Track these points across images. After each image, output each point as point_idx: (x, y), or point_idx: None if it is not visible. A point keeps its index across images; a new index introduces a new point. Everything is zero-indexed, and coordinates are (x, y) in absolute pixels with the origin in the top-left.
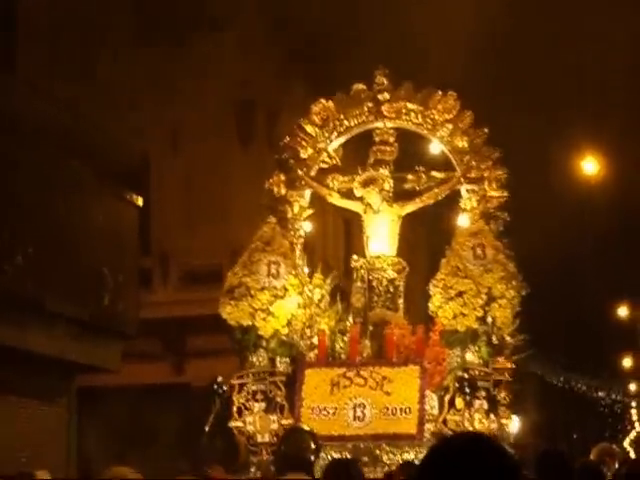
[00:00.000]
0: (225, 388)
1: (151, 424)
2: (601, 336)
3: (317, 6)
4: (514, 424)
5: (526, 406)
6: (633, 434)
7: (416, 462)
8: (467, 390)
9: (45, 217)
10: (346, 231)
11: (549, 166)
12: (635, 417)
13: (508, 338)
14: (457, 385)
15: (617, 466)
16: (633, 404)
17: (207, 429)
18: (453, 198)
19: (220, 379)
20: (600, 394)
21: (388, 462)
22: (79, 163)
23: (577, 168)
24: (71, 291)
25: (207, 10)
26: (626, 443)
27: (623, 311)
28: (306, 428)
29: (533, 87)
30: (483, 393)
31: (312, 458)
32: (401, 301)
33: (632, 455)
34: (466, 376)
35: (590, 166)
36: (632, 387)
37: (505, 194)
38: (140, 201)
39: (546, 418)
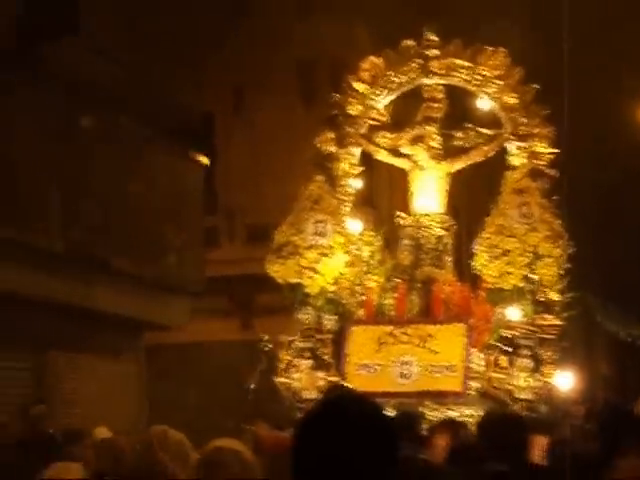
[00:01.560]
0: (271, 345)
1: (215, 381)
2: None
3: None
4: (565, 381)
5: (594, 360)
6: None
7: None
8: (510, 348)
9: (111, 178)
10: (391, 188)
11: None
12: None
13: (556, 295)
14: (501, 343)
15: None
16: None
17: (252, 386)
18: (502, 155)
19: (266, 337)
20: None
21: (433, 419)
22: (144, 124)
23: (629, 118)
24: (138, 250)
25: None
26: None
27: None
28: (349, 386)
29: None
30: (527, 351)
31: None
32: (449, 259)
33: None
34: (510, 334)
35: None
36: None
37: (554, 151)
38: (205, 160)
39: (615, 371)
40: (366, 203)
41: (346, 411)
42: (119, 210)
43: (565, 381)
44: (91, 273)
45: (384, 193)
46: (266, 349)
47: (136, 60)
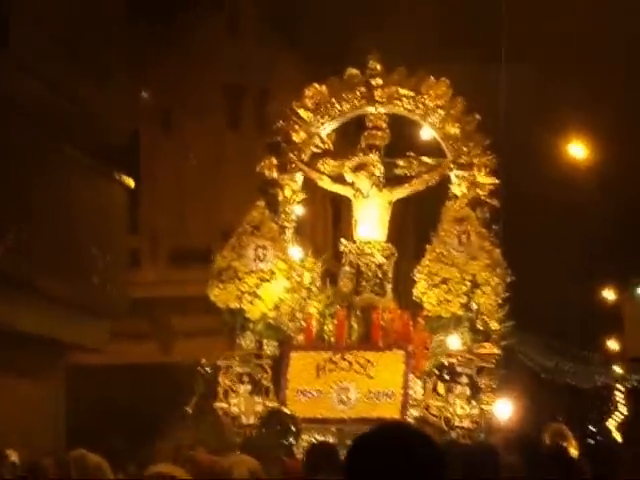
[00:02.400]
0: (209, 370)
1: (137, 403)
2: (587, 319)
3: None
4: (503, 409)
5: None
6: (618, 417)
7: None
8: (448, 376)
9: (36, 197)
10: (335, 215)
11: (540, 151)
12: (620, 400)
13: (494, 324)
14: (439, 371)
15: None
16: (618, 387)
17: (190, 410)
18: (443, 184)
19: (204, 360)
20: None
21: None
22: (69, 143)
23: (567, 153)
24: (61, 271)
25: None
26: (611, 426)
27: (609, 294)
28: (287, 411)
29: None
30: (465, 379)
31: (293, 441)
32: (389, 286)
33: (619, 439)
34: (448, 362)
35: (579, 150)
36: (617, 370)
37: (495, 181)
38: (130, 182)
39: (531, 402)
40: (307, 229)
41: (405, 439)
42: (42, 229)
43: (504, 409)
44: (13, 292)
45: (324, 220)
46: (203, 372)
47: (62, 77)
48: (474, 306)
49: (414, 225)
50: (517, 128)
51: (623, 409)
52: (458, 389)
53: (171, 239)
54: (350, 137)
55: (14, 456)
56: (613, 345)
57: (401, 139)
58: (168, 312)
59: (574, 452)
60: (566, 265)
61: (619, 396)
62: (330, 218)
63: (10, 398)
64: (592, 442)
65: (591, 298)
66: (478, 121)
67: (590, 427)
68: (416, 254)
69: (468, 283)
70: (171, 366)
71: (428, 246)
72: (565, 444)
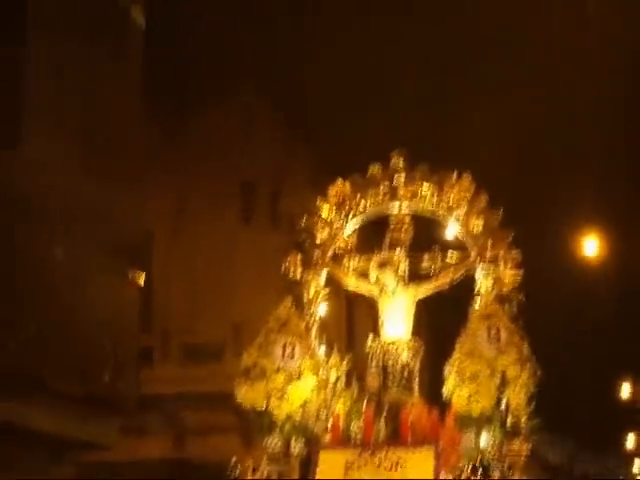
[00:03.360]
0: (238, 471)
1: None
2: (603, 416)
3: (318, 86)
4: None
5: None
6: None
7: None
8: (482, 475)
9: (47, 294)
10: (349, 313)
11: (553, 246)
12: None
13: (524, 420)
14: (471, 468)
15: None
16: None
17: None
18: (466, 282)
19: (233, 461)
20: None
21: None
22: (82, 240)
23: (580, 248)
24: (72, 368)
25: (210, 88)
26: None
27: (626, 390)
28: None
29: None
30: (498, 474)
31: None
32: (416, 382)
33: None
34: (480, 460)
35: (593, 246)
36: (636, 466)
37: (520, 274)
38: (142, 280)
39: None
40: (327, 327)
41: None
42: (55, 326)
43: None
44: (23, 389)
45: (338, 318)
46: (233, 475)
47: (75, 173)
48: (503, 402)
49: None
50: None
51: None
52: None
53: (183, 336)
54: (375, 233)
55: None
56: (631, 442)
57: (425, 234)
58: (180, 408)
59: None
60: (583, 359)
61: None
62: (344, 315)
63: None
64: None
65: (610, 395)
66: (501, 216)
67: None
68: (431, 349)
69: (497, 380)
70: (182, 463)
71: (457, 342)
72: None
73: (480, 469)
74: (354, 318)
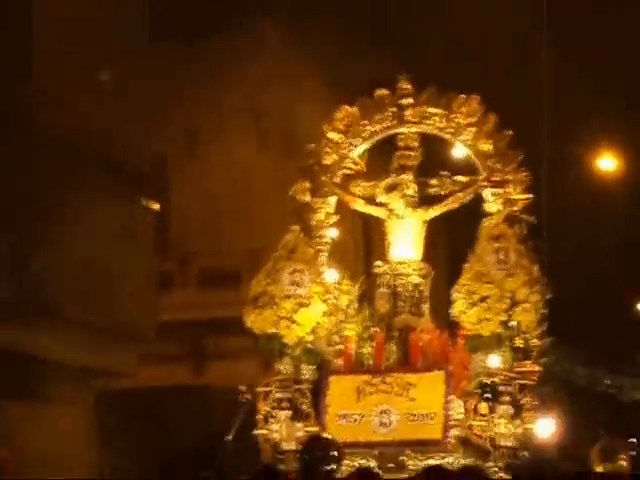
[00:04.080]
0: (248, 396)
1: (170, 427)
2: (625, 334)
3: (333, 6)
4: (546, 427)
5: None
6: None
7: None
8: (491, 395)
9: (62, 225)
10: (365, 236)
11: (574, 164)
12: None
13: (535, 341)
14: (480, 390)
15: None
16: None
17: (230, 438)
18: (475, 202)
19: (243, 387)
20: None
21: (414, 468)
22: (95, 168)
23: (607, 165)
24: (89, 298)
25: (220, 15)
26: None
27: None
28: (328, 436)
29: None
30: (507, 398)
31: (334, 466)
32: (426, 306)
33: None
34: (489, 381)
35: (621, 163)
36: None
37: (529, 196)
38: (156, 206)
39: (572, 417)
40: (339, 252)
41: None
42: (69, 256)
43: (547, 427)
44: (41, 320)
45: (354, 241)
46: (244, 400)
47: (84, 103)
48: (514, 324)
49: (445, 244)
50: (556, 138)
51: None
52: (501, 408)
53: (201, 261)
54: (383, 157)
55: None
56: None
57: (434, 158)
58: (199, 334)
59: (627, 467)
60: (606, 278)
61: None
62: (361, 239)
63: (40, 426)
64: None
65: (631, 312)
66: (511, 137)
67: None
68: (448, 273)
69: (507, 300)
70: (203, 389)
71: (465, 264)
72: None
73: (489, 391)
74: (372, 241)
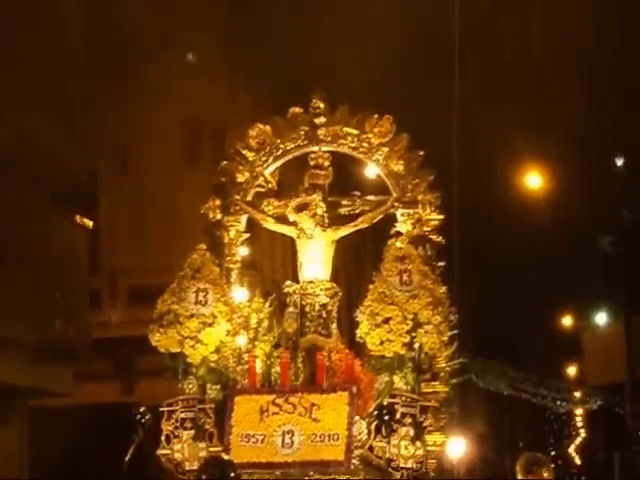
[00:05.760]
0: (147, 417)
1: (98, 445)
2: (546, 345)
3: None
4: (455, 447)
5: (471, 421)
6: (578, 440)
7: None
8: (390, 417)
9: None
10: (294, 252)
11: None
12: (580, 424)
13: (441, 363)
14: (381, 412)
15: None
16: (578, 411)
17: (127, 459)
18: (390, 222)
19: (142, 409)
20: (546, 402)
21: None
22: (27, 186)
23: (521, 181)
24: (22, 315)
25: (153, 29)
26: (571, 449)
27: (567, 321)
28: (225, 457)
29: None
30: (409, 419)
31: None
32: (334, 326)
33: (577, 461)
34: (389, 402)
35: (534, 179)
36: (577, 394)
37: (440, 217)
38: (90, 223)
39: (493, 429)
40: (252, 269)
41: None
42: (2, 275)
43: (456, 447)
44: None
45: (269, 260)
46: (143, 420)
47: (16, 121)
48: (416, 345)
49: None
50: (474, 159)
51: (582, 432)
52: (402, 430)
53: (131, 278)
54: (298, 176)
55: None
56: (572, 371)
57: (346, 178)
58: (130, 352)
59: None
60: (526, 294)
61: (578, 420)
62: (289, 256)
63: None
64: None
65: (551, 326)
66: (422, 158)
67: (551, 451)
68: (355, 294)
69: (410, 322)
70: (133, 406)
71: (370, 285)
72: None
73: (387, 413)
74: (282, 260)
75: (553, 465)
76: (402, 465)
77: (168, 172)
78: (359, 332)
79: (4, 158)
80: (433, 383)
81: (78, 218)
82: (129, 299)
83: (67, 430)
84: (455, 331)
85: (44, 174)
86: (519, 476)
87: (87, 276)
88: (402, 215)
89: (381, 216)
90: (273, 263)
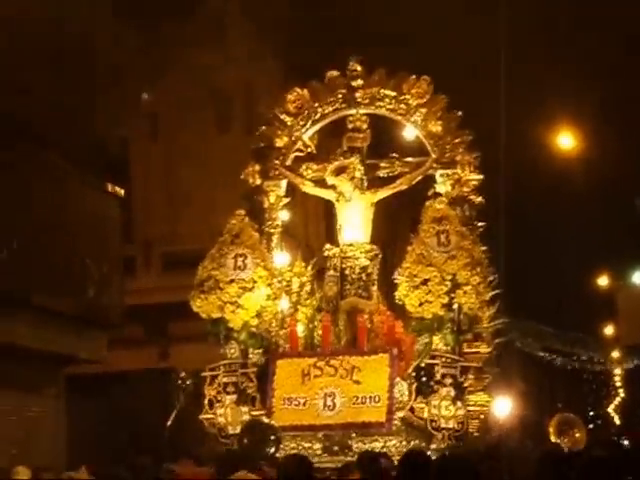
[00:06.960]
0: (188, 382)
1: (134, 411)
2: (582, 306)
3: None
4: (500, 405)
5: (511, 381)
6: (617, 400)
7: (378, 451)
8: (431, 377)
9: (28, 212)
10: (327, 216)
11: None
12: (618, 384)
13: (484, 323)
14: (421, 373)
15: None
16: (616, 371)
17: (170, 423)
18: (430, 183)
19: (183, 373)
20: (583, 362)
21: (358, 451)
22: (58, 156)
23: (556, 142)
24: (56, 284)
25: None
26: (610, 409)
27: (603, 281)
28: (267, 420)
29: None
30: (449, 380)
31: (273, 449)
32: (374, 288)
33: (617, 421)
34: (429, 364)
35: (568, 140)
36: (614, 354)
37: (479, 177)
38: (121, 192)
39: (531, 390)
40: (295, 234)
41: None
42: (36, 243)
43: (501, 407)
44: (9, 308)
45: (316, 222)
46: (184, 386)
47: (47, 90)
48: (455, 306)
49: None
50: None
51: (621, 392)
52: (443, 391)
53: (164, 245)
54: (336, 139)
55: (25, 472)
56: (609, 331)
57: (384, 140)
58: (164, 318)
59: (582, 440)
60: (562, 254)
61: (617, 380)
62: (323, 220)
63: (11, 413)
64: None
65: (587, 286)
66: (460, 118)
67: (590, 411)
68: (395, 256)
69: (448, 283)
70: (168, 372)
71: (409, 247)
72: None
73: (426, 374)
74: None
75: (592, 425)
76: (443, 425)
77: (199, 139)
78: (398, 294)
79: (37, 130)
80: (475, 343)
81: (110, 186)
82: (163, 266)
83: (104, 396)
84: (497, 291)
85: (76, 144)
86: (552, 437)
87: (120, 244)
88: (441, 176)
89: (420, 177)
90: (306, 229)
